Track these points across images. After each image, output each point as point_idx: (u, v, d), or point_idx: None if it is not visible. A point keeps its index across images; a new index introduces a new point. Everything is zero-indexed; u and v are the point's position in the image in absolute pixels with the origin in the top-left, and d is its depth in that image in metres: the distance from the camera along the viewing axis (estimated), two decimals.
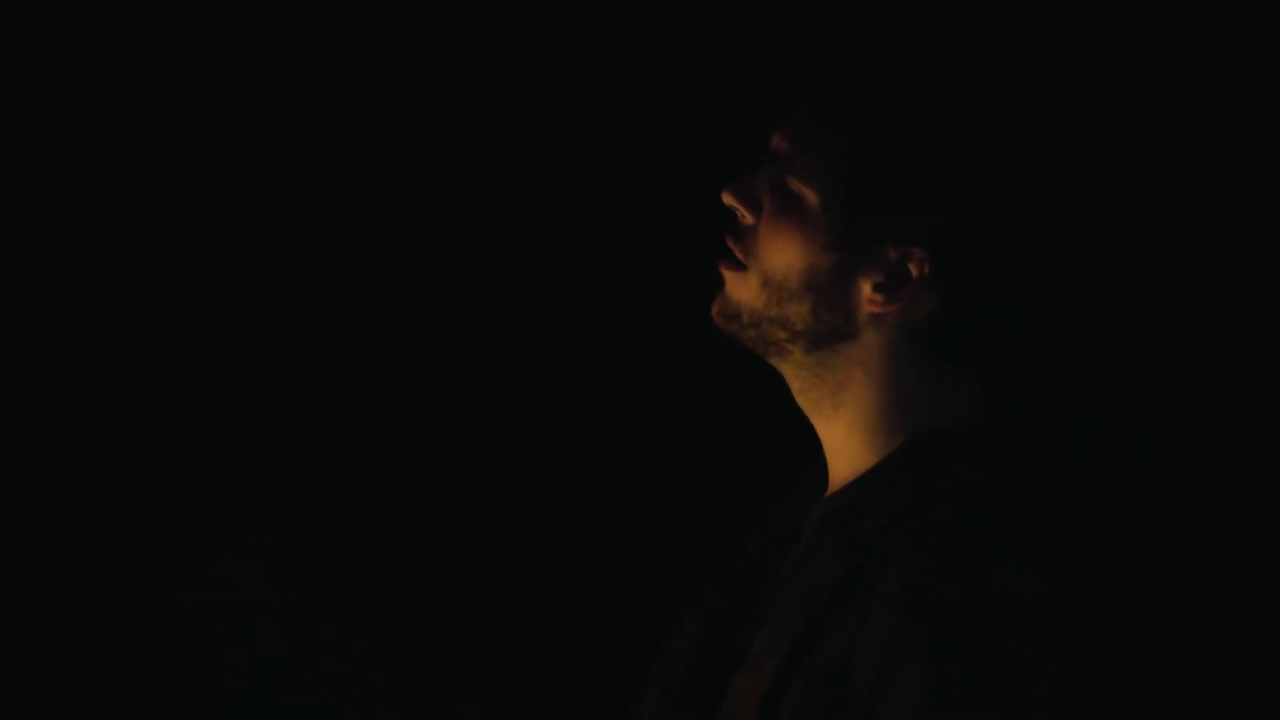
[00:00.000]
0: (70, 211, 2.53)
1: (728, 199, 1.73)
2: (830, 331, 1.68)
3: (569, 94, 2.51)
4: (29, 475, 2.54)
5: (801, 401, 1.73)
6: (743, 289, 1.71)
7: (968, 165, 1.65)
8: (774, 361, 1.73)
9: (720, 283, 1.74)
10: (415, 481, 2.58)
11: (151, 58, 2.52)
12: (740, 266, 1.71)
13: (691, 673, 1.78)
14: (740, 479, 2.52)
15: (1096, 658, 1.51)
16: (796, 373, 1.71)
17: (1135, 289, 2.18)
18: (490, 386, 2.58)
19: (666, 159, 2.49)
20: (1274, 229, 2.20)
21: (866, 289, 1.67)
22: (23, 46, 2.50)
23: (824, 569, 1.62)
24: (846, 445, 1.70)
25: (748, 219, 1.71)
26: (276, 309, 2.56)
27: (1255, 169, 2.21)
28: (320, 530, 2.57)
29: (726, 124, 2.46)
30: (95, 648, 2.55)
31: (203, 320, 2.55)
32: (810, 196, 1.67)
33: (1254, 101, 2.20)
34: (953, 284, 1.64)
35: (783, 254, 1.68)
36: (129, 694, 2.55)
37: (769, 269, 1.69)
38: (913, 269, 1.65)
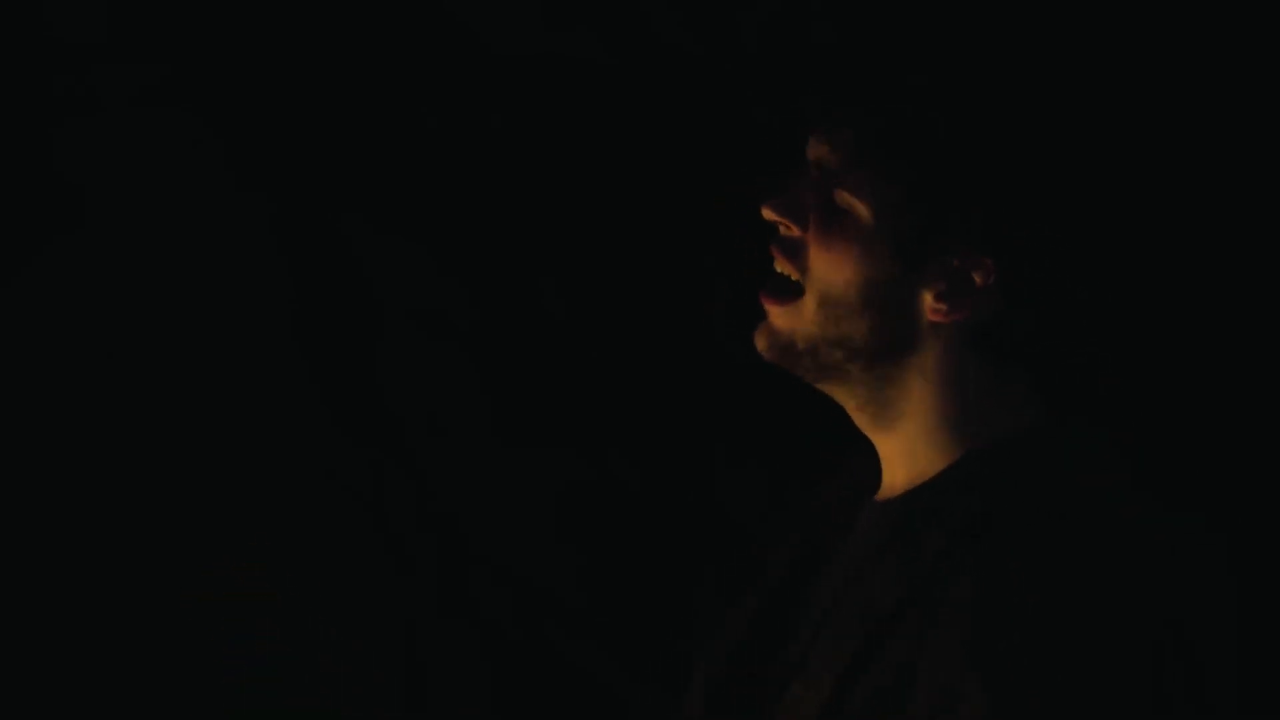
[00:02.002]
0: (71, 211, 2.53)
1: (769, 214, 1.67)
2: (891, 345, 1.63)
3: (569, 94, 2.51)
4: (29, 475, 2.53)
5: (859, 418, 1.67)
6: (795, 318, 1.65)
7: (1033, 174, 1.62)
8: (827, 386, 1.66)
9: (761, 312, 1.68)
10: (415, 481, 2.58)
11: (151, 58, 2.52)
12: (791, 293, 1.65)
13: (736, 669, 1.75)
14: (740, 479, 2.52)
15: (1155, 683, 1.50)
16: (854, 390, 1.65)
17: (1192, 294, 2.17)
18: (490, 386, 2.57)
19: (666, 159, 2.48)
20: None
21: (929, 298, 1.62)
22: (23, 46, 2.49)
23: (885, 585, 1.59)
24: (906, 454, 1.66)
25: (794, 232, 1.66)
26: (276, 309, 2.56)
27: None
28: (320, 530, 2.57)
29: (726, 124, 2.45)
30: (95, 648, 2.54)
31: (203, 320, 2.55)
32: (864, 212, 1.62)
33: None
34: (1017, 290, 1.62)
35: (840, 270, 1.62)
36: (129, 694, 2.55)
37: (825, 287, 1.63)
38: (978, 277, 1.62)
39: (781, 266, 1.66)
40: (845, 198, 1.63)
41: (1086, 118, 1.64)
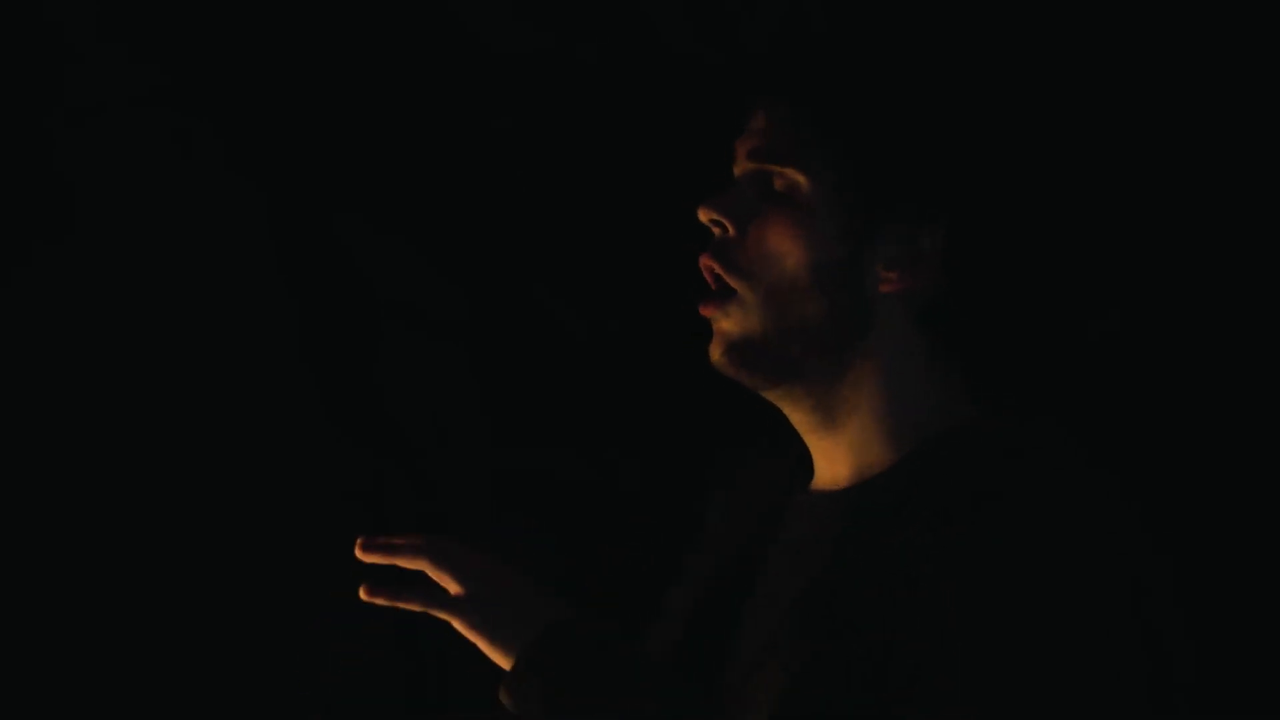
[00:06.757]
0: (69, 211, 2.53)
1: (706, 215, 1.65)
2: (849, 326, 1.62)
3: (569, 94, 2.51)
4: (28, 477, 2.53)
5: (809, 419, 1.65)
6: (740, 320, 1.63)
7: (975, 131, 1.61)
8: (783, 389, 1.64)
9: (709, 331, 1.66)
10: (415, 482, 2.58)
11: (151, 58, 2.52)
12: (726, 294, 1.64)
13: (682, 658, 1.74)
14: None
15: (1144, 673, 1.51)
16: (810, 390, 1.63)
17: (1138, 281, 2.17)
18: (489, 387, 2.57)
19: (664, 159, 2.48)
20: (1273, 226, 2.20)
21: (880, 269, 1.61)
22: (23, 46, 2.50)
23: (854, 573, 1.58)
24: (855, 447, 1.64)
25: (731, 232, 1.64)
26: (275, 310, 2.56)
27: (1259, 164, 2.20)
28: (320, 530, 2.57)
29: (726, 124, 2.45)
30: (95, 648, 2.54)
31: (202, 321, 2.55)
32: (805, 189, 1.60)
33: (1255, 96, 2.20)
34: (964, 258, 1.60)
35: (786, 257, 1.60)
36: (129, 694, 2.55)
37: (771, 278, 1.61)
38: (925, 242, 1.60)
39: (714, 267, 1.63)
40: (786, 176, 1.61)
41: (1029, 74, 1.63)
